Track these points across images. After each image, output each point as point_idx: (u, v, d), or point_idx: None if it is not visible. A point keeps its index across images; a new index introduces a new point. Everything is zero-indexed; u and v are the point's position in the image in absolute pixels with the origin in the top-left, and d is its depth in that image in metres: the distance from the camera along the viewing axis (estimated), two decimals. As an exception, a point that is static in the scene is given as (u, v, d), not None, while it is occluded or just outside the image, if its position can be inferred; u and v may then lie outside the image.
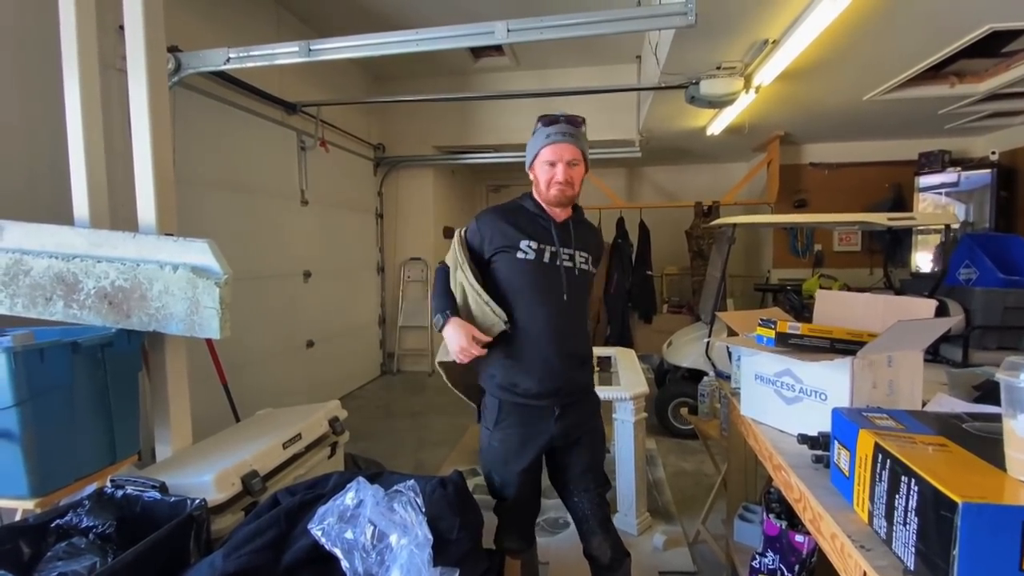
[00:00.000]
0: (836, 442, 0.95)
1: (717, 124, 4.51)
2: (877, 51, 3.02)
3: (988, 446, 0.78)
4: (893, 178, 5.42)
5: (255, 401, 2.83)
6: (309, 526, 1.13)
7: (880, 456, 0.80)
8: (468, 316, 1.43)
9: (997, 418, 0.82)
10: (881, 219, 2.33)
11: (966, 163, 4.90)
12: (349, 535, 1.10)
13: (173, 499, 1.31)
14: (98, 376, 1.64)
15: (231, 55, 2.61)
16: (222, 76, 3.30)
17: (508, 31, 2.27)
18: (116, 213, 2.00)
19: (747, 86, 3.35)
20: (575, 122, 1.44)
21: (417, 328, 5.94)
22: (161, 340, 1.84)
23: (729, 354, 1.78)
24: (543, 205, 1.49)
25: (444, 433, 3.98)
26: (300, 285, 4.34)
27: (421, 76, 5.60)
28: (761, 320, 1.31)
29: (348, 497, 1.16)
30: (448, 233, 6.58)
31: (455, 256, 1.48)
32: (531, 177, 1.50)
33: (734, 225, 2.71)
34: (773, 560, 1.54)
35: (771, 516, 1.54)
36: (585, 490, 1.53)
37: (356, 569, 1.07)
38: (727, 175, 6.80)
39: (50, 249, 1.68)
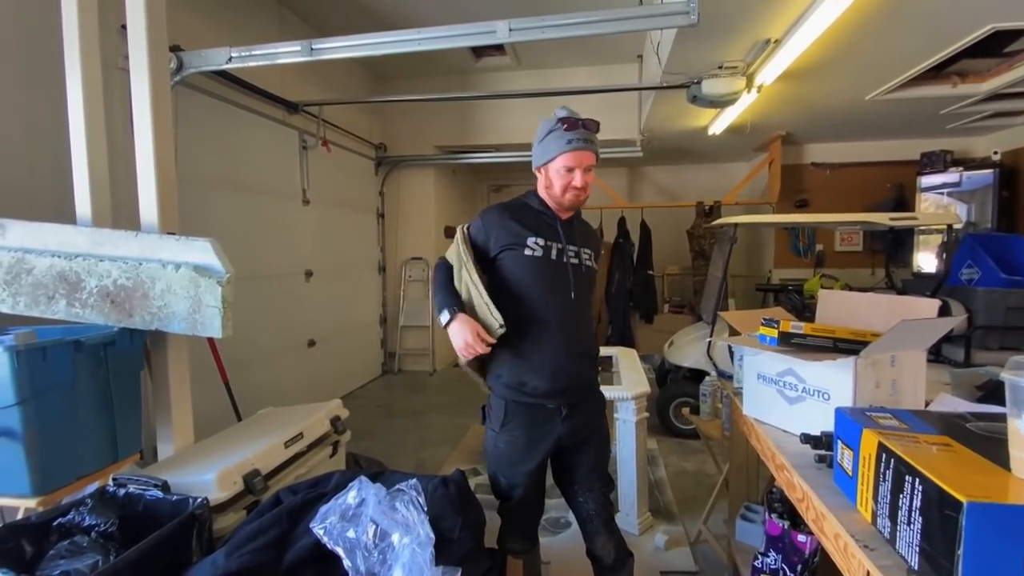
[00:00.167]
0: (839, 442, 0.95)
1: (719, 124, 4.50)
2: (879, 51, 3.01)
3: (992, 446, 0.77)
4: (895, 178, 5.41)
5: (257, 400, 2.83)
6: (311, 525, 1.13)
7: (884, 455, 0.79)
8: (472, 315, 1.42)
9: (1001, 418, 0.82)
10: (883, 219, 2.32)
11: (968, 163, 4.89)
12: (351, 534, 1.10)
13: (175, 498, 1.31)
14: (100, 375, 1.64)
15: (233, 54, 2.62)
16: (224, 75, 3.30)
17: (510, 31, 2.27)
18: (118, 212, 2.00)
19: (749, 86, 3.35)
20: (592, 127, 1.43)
21: (418, 328, 5.94)
22: (163, 339, 1.84)
23: (731, 354, 1.78)
24: (548, 203, 1.48)
25: (445, 432, 3.98)
26: (302, 284, 4.35)
27: (422, 76, 5.60)
28: (764, 319, 1.30)
29: (350, 496, 1.16)
30: (449, 233, 6.58)
31: (459, 254, 1.46)
32: (539, 175, 1.48)
33: (735, 225, 2.70)
34: (775, 560, 1.53)
35: (773, 516, 1.53)
36: (590, 490, 1.52)
37: (358, 568, 1.07)
38: (728, 175, 6.79)
39: (52, 248, 1.68)
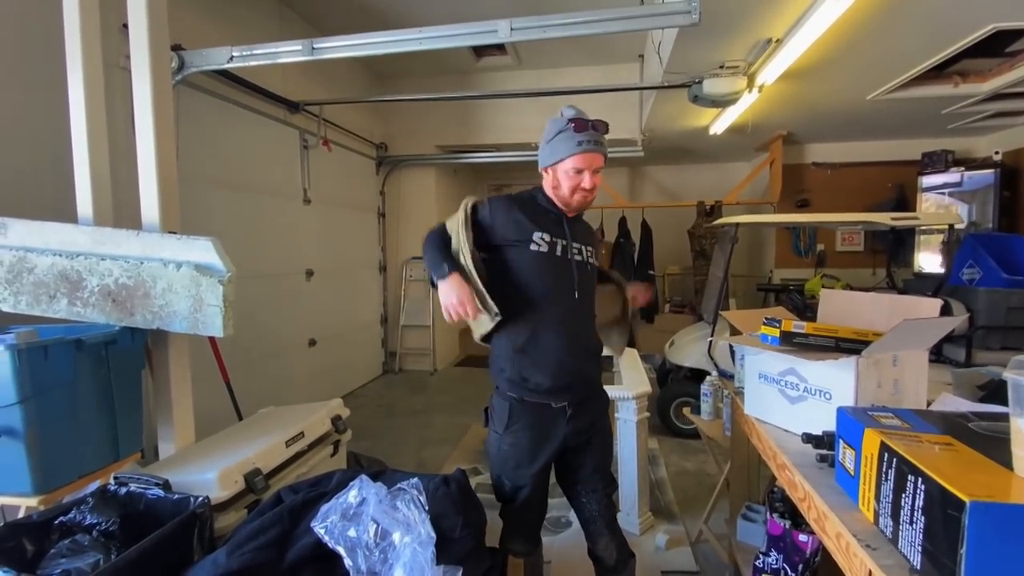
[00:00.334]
0: (841, 441, 0.95)
1: (720, 123, 4.50)
2: (880, 50, 3.01)
3: (995, 445, 0.77)
4: (896, 178, 5.41)
5: (258, 399, 2.83)
6: (312, 524, 1.13)
7: (886, 455, 0.79)
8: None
9: (1003, 417, 0.82)
10: (884, 219, 2.32)
11: (969, 163, 4.89)
12: (352, 533, 1.10)
13: (176, 497, 1.31)
14: (101, 374, 1.64)
15: (234, 53, 2.62)
16: (225, 75, 3.30)
17: (511, 30, 2.27)
18: (120, 211, 2.00)
19: (750, 85, 3.35)
20: (603, 128, 1.42)
21: (419, 327, 5.94)
22: (164, 338, 1.84)
23: (732, 353, 1.77)
24: (555, 202, 1.47)
25: (446, 432, 3.98)
26: (302, 284, 4.35)
27: (423, 75, 5.60)
28: (766, 319, 1.30)
29: (351, 495, 1.16)
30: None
31: (458, 236, 1.41)
32: (546, 175, 1.46)
33: (737, 225, 2.70)
34: (777, 560, 1.53)
35: (775, 515, 1.53)
36: (593, 491, 1.52)
37: (359, 567, 1.07)
38: (729, 175, 6.79)
39: (54, 247, 1.68)
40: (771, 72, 3.14)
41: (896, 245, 4.91)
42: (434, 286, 1.37)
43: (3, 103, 2.19)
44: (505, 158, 5.68)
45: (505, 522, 1.52)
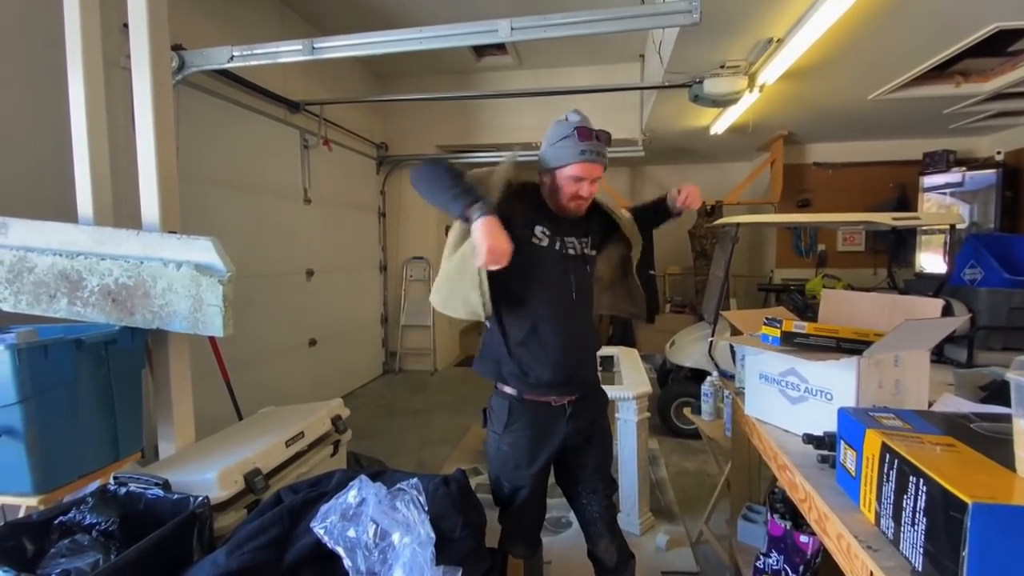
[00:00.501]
0: (842, 442, 0.95)
1: (721, 123, 4.49)
2: (882, 50, 3.00)
3: (997, 446, 0.77)
4: (897, 178, 5.40)
5: (258, 399, 2.83)
6: (312, 524, 1.12)
7: (888, 456, 0.79)
8: (457, 285, 1.34)
9: (1005, 418, 0.81)
10: (885, 219, 2.32)
11: (971, 163, 4.88)
12: (352, 533, 1.09)
13: (176, 496, 1.31)
14: (101, 373, 1.64)
15: (235, 53, 2.62)
16: (225, 74, 3.30)
17: (512, 29, 2.26)
18: (120, 211, 2.00)
19: (751, 85, 3.34)
20: (606, 139, 1.41)
21: (419, 327, 5.94)
22: (164, 338, 1.84)
23: (733, 353, 1.77)
24: (549, 204, 1.47)
25: (446, 432, 3.97)
26: (303, 283, 4.35)
27: (424, 75, 5.60)
28: (766, 319, 1.30)
29: (350, 495, 1.16)
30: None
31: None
32: (545, 177, 1.45)
33: (738, 225, 2.69)
34: (777, 560, 1.53)
35: (775, 516, 1.53)
36: (594, 492, 1.52)
37: (359, 567, 1.06)
38: (730, 175, 6.78)
39: (54, 246, 1.68)
40: (772, 72, 3.14)
41: (897, 245, 4.90)
42: (465, 219, 1.23)
43: (4, 102, 2.19)
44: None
45: (504, 526, 1.51)
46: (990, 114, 4.29)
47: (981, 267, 2.91)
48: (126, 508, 1.31)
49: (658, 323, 5.69)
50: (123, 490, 1.34)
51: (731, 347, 1.87)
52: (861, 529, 0.83)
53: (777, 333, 1.25)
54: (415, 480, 1.22)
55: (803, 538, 1.45)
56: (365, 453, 2.77)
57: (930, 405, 1.22)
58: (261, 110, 3.78)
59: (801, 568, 1.46)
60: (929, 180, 4.98)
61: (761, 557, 1.59)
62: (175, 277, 1.58)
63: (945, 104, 4.06)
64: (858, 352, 1.13)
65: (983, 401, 1.26)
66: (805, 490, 1.02)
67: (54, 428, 1.48)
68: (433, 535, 1.08)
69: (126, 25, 1.88)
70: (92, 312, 1.65)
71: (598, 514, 1.52)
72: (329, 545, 1.09)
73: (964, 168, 4.80)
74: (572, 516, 2.25)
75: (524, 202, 1.43)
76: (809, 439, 1.08)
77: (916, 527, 0.71)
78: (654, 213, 1.70)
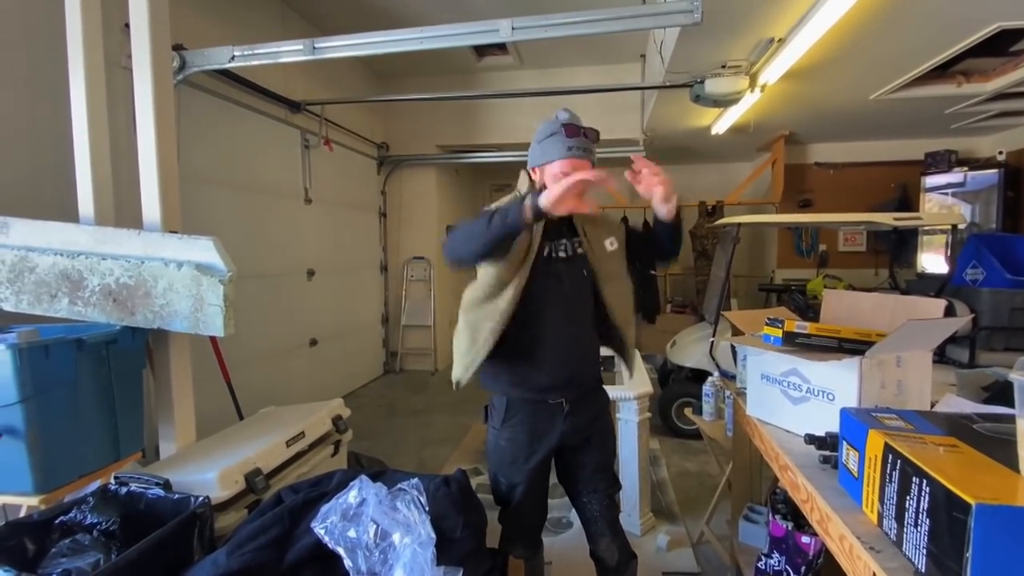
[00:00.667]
0: (844, 442, 0.94)
1: (722, 123, 4.49)
2: (883, 49, 3.00)
3: (1000, 447, 0.77)
4: (899, 178, 5.39)
5: (259, 399, 2.83)
6: (312, 524, 1.12)
7: (890, 457, 0.79)
8: (484, 298, 1.37)
9: (1008, 419, 0.81)
10: (887, 219, 2.31)
11: (973, 163, 4.87)
12: (352, 534, 1.09)
13: (177, 496, 1.31)
14: (102, 373, 1.64)
15: (236, 53, 2.62)
16: (226, 74, 3.30)
17: (513, 29, 2.26)
18: (121, 211, 2.00)
19: (752, 85, 3.34)
20: (593, 136, 1.42)
21: (420, 327, 5.94)
22: (165, 337, 1.84)
23: (734, 354, 1.77)
24: None
25: (447, 432, 3.97)
26: (304, 283, 4.35)
27: (425, 75, 5.60)
28: (768, 319, 1.30)
29: (351, 495, 1.15)
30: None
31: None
32: (533, 175, 1.47)
33: (739, 225, 2.69)
34: (779, 561, 1.52)
35: (777, 517, 1.52)
36: (595, 491, 1.51)
37: (359, 568, 1.06)
38: (731, 174, 6.78)
39: (55, 246, 1.68)
40: (773, 72, 3.13)
41: (899, 245, 4.89)
42: (535, 214, 1.20)
43: (5, 103, 2.19)
44: (506, 158, 5.67)
45: (504, 526, 1.51)
46: (992, 114, 4.28)
47: (983, 267, 2.90)
48: (127, 508, 1.31)
49: (659, 323, 5.70)
50: (124, 490, 1.34)
51: (732, 347, 1.87)
52: (863, 530, 0.83)
53: (779, 333, 1.25)
54: (416, 480, 1.22)
55: (805, 539, 1.45)
56: (366, 453, 2.77)
57: (933, 406, 1.22)
58: (262, 110, 3.78)
59: (803, 569, 1.46)
60: (931, 180, 4.97)
61: (763, 558, 1.58)
62: (176, 277, 1.58)
63: (947, 104, 4.05)
64: (860, 352, 1.13)
65: (986, 402, 1.26)
66: (807, 491, 1.02)
67: (55, 428, 1.48)
68: (434, 535, 1.08)
69: (127, 25, 1.88)
70: (93, 312, 1.65)
71: (599, 513, 1.51)
72: (330, 545, 1.09)
73: (966, 168, 4.79)
74: (573, 516, 2.25)
75: None
76: (811, 440, 1.08)
77: (919, 528, 0.71)
78: (647, 236, 1.56)
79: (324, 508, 1.15)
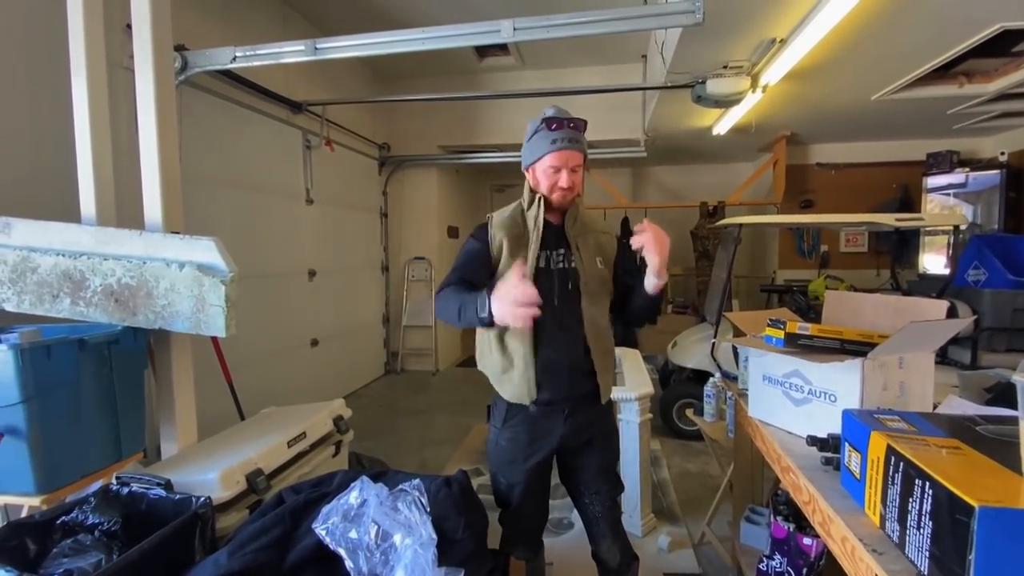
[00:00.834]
0: (847, 444, 0.94)
1: (723, 124, 4.49)
2: (885, 50, 3.00)
3: (1003, 449, 0.76)
4: (900, 179, 5.39)
5: (260, 399, 2.83)
6: (313, 525, 1.12)
7: (893, 459, 0.79)
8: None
9: (1011, 421, 0.81)
10: (888, 220, 2.30)
11: (974, 164, 4.87)
12: (353, 534, 1.09)
13: (178, 497, 1.31)
14: (104, 373, 1.64)
15: (237, 54, 2.62)
16: (228, 75, 3.31)
17: (515, 30, 2.26)
18: (122, 211, 2.00)
19: (754, 85, 3.34)
20: (579, 127, 1.42)
21: (421, 327, 5.95)
22: (167, 338, 1.85)
23: (735, 355, 1.77)
24: (539, 208, 1.44)
25: (448, 432, 3.97)
26: (305, 284, 4.35)
27: (426, 75, 5.60)
28: (770, 320, 1.29)
29: (352, 496, 1.15)
30: (453, 233, 6.57)
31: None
32: (528, 175, 1.47)
33: (740, 225, 2.69)
34: (780, 563, 1.52)
35: (779, 518, 1.52)
36: (596, 492, 1.51)
37: (360, 569, 1.06)
38: (733, 175, 6.77)
39: (57, 247, 1.68)
40: (775, 72, 3.13)
41: (900, 246, 4.89)
42: (489, 324, 1.24)
43: (7, 103, 2.19)
44: (507, 158, 5.67)
45: (504, 528, 1.51)
46: (994, 115, 4.27)
47: (985, 268, 2.89)
48: (128, 508, 1.31)
49: (660, 324, 5.68)
50: (125, 490, 1.34)
51: (734, 348, 1.86)
52: (866, 532, 0.82)
53: (781, 334, 1.25)
54: (417, 481, 1.22)
55: (807, 540, 1.45)
56: (367, 453, 2.76)
57: (935, 407, 1.21)
58: (263, 111, 3.78)
59: (804, 571, 1.45)
60: (932, 181, 4.96)
61: (764, 559, 1.58)
62: (178, 277, 1.58)
63: (949, 105, 4.04)
64: (862, 354, 1.12)
65: (988, 403, 1.25)
66: (809, 492, 1.01)
67: (57, 428, 1.48)
68: (435, 536, 1.08)
69: (129, 26, 1.89)
70: (95, 312, 1.65)
71: (601, 514, 1.51)
72: (331, 546, 1.09)
73: (968, 169, 4.78)
74: (574, 517, 2.25)
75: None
76: (813, 441, 1.08)
77: (922, 530, 0.70)
78: (632, 272, 1.55)
79: (325, 509, 1.15)
